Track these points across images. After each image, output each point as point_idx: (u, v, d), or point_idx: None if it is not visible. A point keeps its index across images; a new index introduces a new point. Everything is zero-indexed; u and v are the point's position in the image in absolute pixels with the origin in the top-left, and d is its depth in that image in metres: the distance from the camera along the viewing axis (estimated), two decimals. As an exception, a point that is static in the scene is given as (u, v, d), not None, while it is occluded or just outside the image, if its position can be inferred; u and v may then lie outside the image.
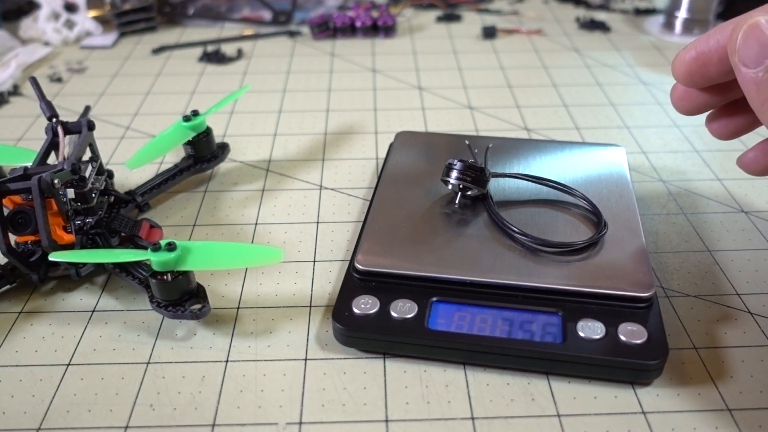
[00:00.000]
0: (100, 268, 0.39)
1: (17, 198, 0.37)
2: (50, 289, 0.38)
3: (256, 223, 0.43)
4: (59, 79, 0.64)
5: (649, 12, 0.77)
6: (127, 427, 0.30)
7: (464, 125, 0.54)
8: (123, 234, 0.39)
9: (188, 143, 0.46)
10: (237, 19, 0.77)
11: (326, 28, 0.72)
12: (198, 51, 0.69)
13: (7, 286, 0.38)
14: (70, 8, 0.73)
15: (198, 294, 0.35)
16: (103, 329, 0.36)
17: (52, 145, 0.40)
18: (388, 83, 0.62)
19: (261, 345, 0.34)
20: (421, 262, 0.35)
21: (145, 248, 0.34)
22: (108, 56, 0.69)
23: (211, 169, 0.48)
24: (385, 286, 0.35)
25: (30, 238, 0.37)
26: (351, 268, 0.36)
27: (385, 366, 0.33)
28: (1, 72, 0.63)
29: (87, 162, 0.40)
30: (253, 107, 0.58)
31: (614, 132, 0.53)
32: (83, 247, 0.38)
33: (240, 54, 0.68)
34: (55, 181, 0.35)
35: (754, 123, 0.32)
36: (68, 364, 0.34)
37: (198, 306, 0.34)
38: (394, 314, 0.33)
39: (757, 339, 0.34)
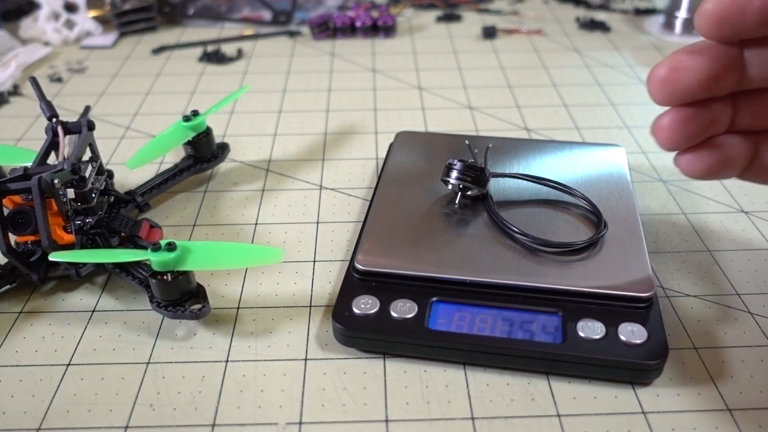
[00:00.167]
0: (100, 268, 0.39)
1: (17, 198, 0.37)
2: (50, 289, 0.38)
3: (256, 223, 0.43)
4: (59, 79, 0.64)
5: (649, 12, 0.77)
6: (127, 427, 0.30)
7: (464, 125, 0.54)
8: (123, 234, 0.39)
9: (188, 143, 0.46)
10: (237, 19, 0.77)
11: (326, 28, 0.72)
12: (198, 51, 0.69)
13: (7, 286, 0.38)
14: (70, 8, 0.73)
15: (198, 294, 0.35)
16: (103, 329, 0.36)
17: (52, 145, 0.40)
18: (388, 83, 0.62)
19: (261, 345, 0.34)
20: (421, 262, 0.35)
21: (145, 248, 0.34)
22: (108, 56, 0.69)
23: (211, 169, 0.48)
24: (385, 286, 0.35)
25: (30, 238, 0.37)
26: (351, 268, 0.36)
27: (385, 366, 0.33)
28: (1, 72, 0.63)
29: (87, 162, 0.40)
30: (253, 107, 0.58)
31: (614, 132, 0.53)
32: (83, 247, 0.38)
33: (240, 54, 0.68)
34: (55, 181, 0.35)
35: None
36: (68, 364, 0.34)
37: (198, 306, 0.34)
38: (394, 314, 0.33)
39: (757, 339, 0.34)
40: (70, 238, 0.37)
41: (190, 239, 0.42)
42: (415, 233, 0.37)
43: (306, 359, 0.34)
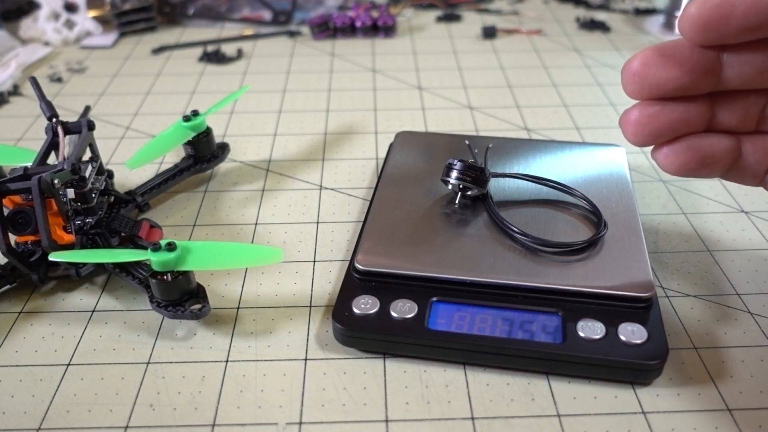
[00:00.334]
0: (100, 268, 0.39)
1: (17, 198, 0.37)
2: (50, 289, 0.38)
3: (256, 223, 0.43)
4: (59, 79, 0.64)
5: (649, 12, 0.77)
6: (127, 427, 0.30)
7: (464, 125, 0.54)
8: (123, 234, 0.39)
9: (188, 143, 0.46)
10: (237, 19, 0.77)
11: (326, 28, 0.72)
12: (198, 51, 0.69)
13: (7, 286, 0.38)
14: (70, 8, 0.73)
15: (198, 294, 0.35)
16: (103, 329, 0.36)
17: (52, 145, 0.40)
18: (388, 83, 0.62)
19: (261, 345, 0.34)
20: (421, 262, 0.35)
21: (145, 248, 0.34)
22: (108, 56, 0.69)
23: (211, 169, 0.48)
24: (385, 286, 0.35)
25: (30, 238, 0.37)
26: (351, 268, 0.36)
27: (385, 366, 0.33)
28: (1, 72, 0.63)
29: (87, 162, 0.40)
30: (253, 107, 0.58)
31: (614, 132, 0.53)
32: (83, 247, 0.38)
33: (240, 54, 0.68)
34: (55, 181, 0.35)
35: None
36: (68, 364, 0.34)
37: (198, 306, 0.34)
38: (394, 314, 0.33)
39: (757, 339, 0.34)
40: (70, 238, 0.37)
41: (190, 239, 0.42)
42: (415, 233, 0.37)
43: (306, 359, 0.34)
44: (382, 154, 0.50)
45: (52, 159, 0.40)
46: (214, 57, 0.67)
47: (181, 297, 0.34)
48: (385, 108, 0.57)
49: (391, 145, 0.47)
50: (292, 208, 0.45)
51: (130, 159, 0.44)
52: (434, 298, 0.34)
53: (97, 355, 0.34)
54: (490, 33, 0.71)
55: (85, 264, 0.37)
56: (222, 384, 0.32)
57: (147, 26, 0.74)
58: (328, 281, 0.39)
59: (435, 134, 0.50)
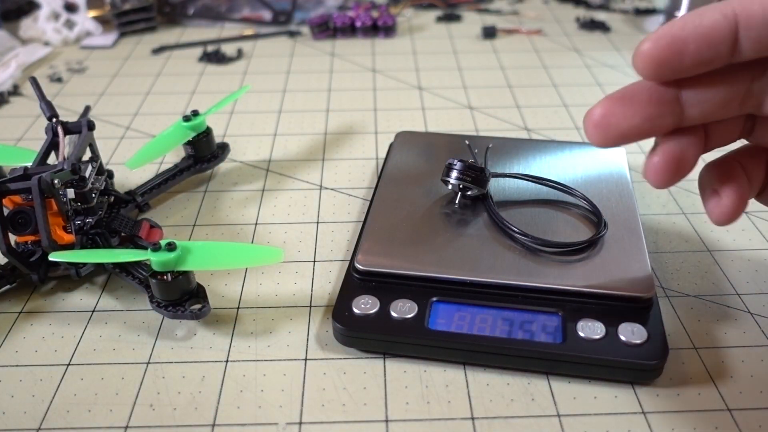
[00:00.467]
0: (100, 268, 0.39)
1: (17, 198, 0.37)
2: (50, 289, 0.38)
3: (256, 223, 0.43)
4: (59, 79, 0.64)
5: (649, 12, 0.77)
6: (127, 427, 0.30)
7: (464, 125, 0.54)
8: (123, 234, 0.39)
9: (188, 143, 0.46)
10: (237, 19, 0.77)
11: (326, 28, 0.72)
12: (198, 51, 0.69)
13: (7, 286, 0.38)
14: (70, 8, 0.73)
15: (198, 294, 0.35)
16: (103, 329, 0.36)
17: (52, 145, 0.40)
18: (388, 83, 0.62)
19: (261, 345, 0.34)
20: (421, 262, 0.35)
21: (145, 248, 0.34)
22: (108, 56, 0.69)
23: (211, 169, 0.48)
24: (385, 286, 0.35)
25: (30, 238, 0.37)
26: (351, 268, 0.36)
27: (385, 366, 0.33)
28: (1, 72, 0.63)
29: (87, 162, 0.40)
30: (253, 107, 0.58)
31: (614, 132, 0.53)
32: (83, 247, 0.38)
33: (240, 54, 0.68)
34: (55, 181, 0.35)
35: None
36: (68, 364, 0.34)
37: (198, 306, 0.34)
38: (394, 314, 0.33)
39: (757, 339, 0.34)
40: (70, 238, 0.37)
41: (190, 239, 0.42)
42: (415, 233, 0.37)
43: (306, 359, 0.34)
44: (382, 154, 0.50)
45: (52, 159, 0.40)
46: (214, 57, 0.67)
47: (181, 297, 0.34)
48: (385, 108, 0.57)
49: (391, 145, 0.47)
50: (292, 208, 0.45)
51: (130, 159, 0.44)
52: (434, 298, 0.34)
53: (97, 355, 0.34)
54: (490, 33, 0.71)
55: (85, 264, 0.37)
56: (222, 384, 0.32)
57: (147, 26, 0.74)
58: (328, 281, 0.39)
59: (435, 134, 0.50)
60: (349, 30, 0.72)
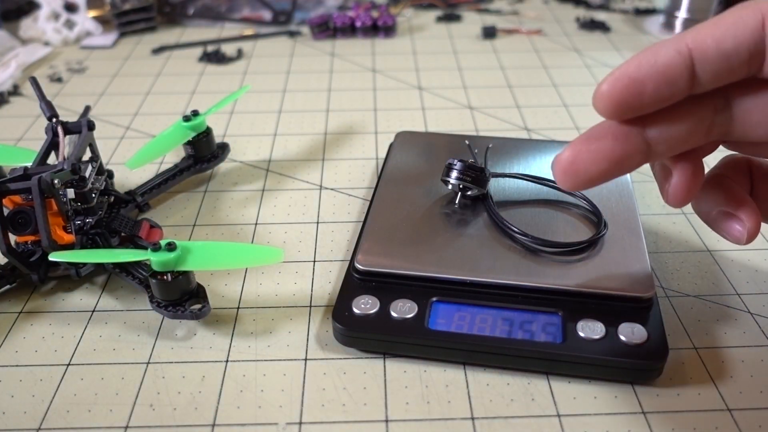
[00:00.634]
0: (100, 268, 0.39)
1: (17, 198, 0.37)
2: (50, 289, 0.38)
3: (256, 223, 0.43)
4: (59, 79, 0.64)
5: (649, 12, 0.77)
6: (127, 427, 0.30)
7: (464, 125, 0.54)
8: (123, 234, 0.39)
9: (188, 143, 0.46)
10: (237, 19, 0.77)
11: (326, 28, 0.72)
12: (198, 51, 0.69)
13: (7, 286, 0.38)
14: (70, 8, 0.73)
15: (198, 294, 0.35)
16: (103, 329, 0.36)
17: (52, 145, 0.40)
18: (388, 83, 0.62)
19: (261, 345, 0.34)
20: (421, 262, 0.35)
21: (145, 248, 0.34)
22: (108, 56, 0.69)
23: (211, 169, 0.48)
24: (385, 286, 0.35)
25: (30, 238, 0.37)
26: (351, 268, 0.36)
27: (385, 366, 0.33)
28: (1, 72, 0.63)
29: (87, 162, 0.40)
30: (253, 107, 0.58)
31: (614, 132, 0.53)
32: (83, 247, 0.38)
33: (240, 54, 0.68)
34: (55, 181, 0.35)
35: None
36: (68, 364, 0.34)
37: (198, 306, 0.34)
38: (394, 314, 0.33)
39: (757, 339, 0.34)
40: (70, 238, 0.37)
41: (190, 239, 0.42)
42: (415, 233, 0.37)
43: (306, 359, 0.34)
44: (382, 154, 0.50)
45: (52, 159, 0.40)
46: (214, 57, 0.67)
47: (181, 297, 0.34)
48: (385, 108, 0.57)
49: (391, 145, 0.47)
50: (292, 208, 0.45)
51: (130, 159, 0.44)
52: (434, 298, 0.34)
53: (97, 355, 0.34)
54: (490, 33, 0.71)
55: (85, 264, 0.37)
56: (222, 384, 0.32)
57: (147, 26, 0.74)
58: (328, 281, 0.39)
59: (435, 134, 0.50)
60: (349, 30, 0.72)
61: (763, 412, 0.30)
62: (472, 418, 0.30)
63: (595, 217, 0.38)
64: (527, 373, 0.32)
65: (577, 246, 0.35)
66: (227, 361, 0.34)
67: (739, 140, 0.27)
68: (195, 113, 0.46)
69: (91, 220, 0.38)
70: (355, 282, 0.35)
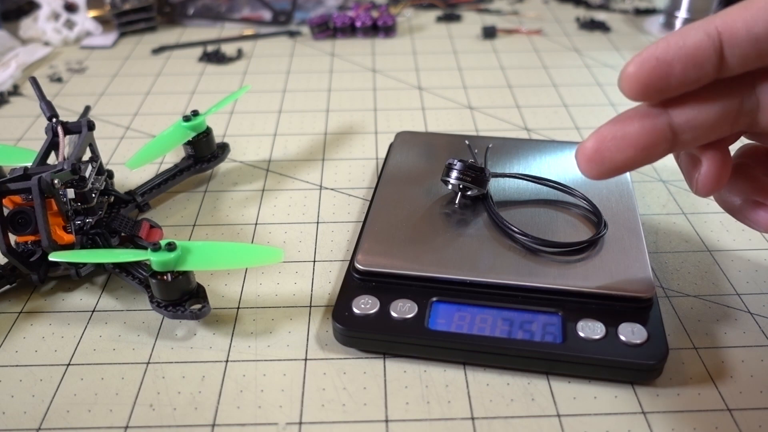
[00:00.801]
0: (100, 268, 0.39)
1: (17, 198, 0.37)
2: (50, 289, 0.38)
3: (256, 223, 0.43)
4: (59, 79, 0.64)
5: (649, 12, 0.77)
6: (127, 427, 0.30)
7: (464, 125, 0.54)
8: (123, 234, 0.39)
9: (188, 143, 0.46)
10: (237, 19, 0.77)
11: (326, 28, 0.72)
12: (198, 51, 0.69)
13: (7, 286, 0.38)
14: (70, 8, 0.73)
15: (198, 294, 0.35)
16: (103, 329, 0.36)
17: (52, 145, 0.40)
18: (388, 83, 0.62)
19: (261, 345, 0.34)
20: (421, 262, 0.35)
21: (145, 248, 0.34)
22: (108, 56, 0.69)
23: (211, 169, 0.48)
24: (385, 286, 0.35)
25: (30, 238, 0.37)
26: (351, 268, 0.36)
27: (385, 366, 0.33)
28: (1, 72, 0.63)
29: (87, 162, 0.40)
30: (253, 107, 0.58)
31: (614, 132, 0.53)
32: (83, 247, 0.38)
33: (240, 54, 0.68)
34: (55, 181, 0.35)
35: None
36: (68, 364, 0.34)
37: (198, 306, 0.34)
38: (394, 314, 0.33)
39: (757, 339, 0.34)
40: (70, 238, 0.37)
41: (190, 239, 0.42)
42: (415, 233, 0.37)
43: (306, 359, 0.34)
44: (382, 154, 0.50)
45: (52, 159, 0.40)
46: (214, 57, 0.67)
47: (181, 297, 0.34)
48: (385, 108, 0.57)
49: (391, 145, 0.47)
50: (292, 208, 0.45)
51: (130, 159, 0.44)
52: (434, 298, 0.34)
53: (97, 355, 0.34)
54: (490, 33, 0.71)
55: (85, 264, 0.37)
56: (222, 384, 0.32)
57: (147, 26, 0.74)
58: (328, 281, 0.39)
59: (435, 134, 0.50)
60: (349, 30, 0.72)
61: (763, 412, 0.30)
62: (472, 418, 0.30)
63: (595, 217, 0.38)
64: (527, 373, 0.32)
65: (577, 246, 0.35)
66: (227, 361, 0.34)
67: (765, 131, 0.27)
68: (195, 113, 0.46)
69: (91, 220, 0.38)
70: (355, 282, 0.35)
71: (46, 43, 0.71)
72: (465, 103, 0.58)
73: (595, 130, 0.27)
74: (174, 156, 0.50)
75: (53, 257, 0.34)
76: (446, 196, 0.40)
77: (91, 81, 0.64)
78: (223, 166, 0.50)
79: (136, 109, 0.58)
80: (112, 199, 0.42)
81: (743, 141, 0.30)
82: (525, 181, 0.41)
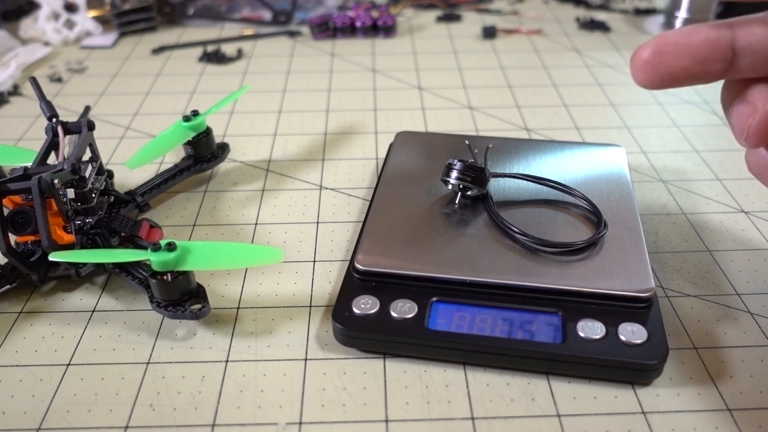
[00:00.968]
0: (100, 268, 0.39)
1: (17, 198, 0.37)
2: (50, 289, 0.38)
3: (256, 223, 0.43)
4: (59, 79, 0.64)
5: (649, 12, 0.77)
6: (127, 427, 0.30)
7: (464, 125, 0.54)
8: (123, 234, 0.39)
9: (188, 143, 0.46)
10: (237, 19, 0.77)
11: (326, 28, 0.72)
12: (198, 51, 0.69)
13: (7, 286, 0.38)
14: (70, 8, 0.73)
15: (198, 294, 0.35)
16: (103, 329, 0.36)
17: (52, 145, 0.40)
18: (388, 83, 0.62)
19: (261, 345, 0.34)
20: (421, 262, 0.35)
21: (145, 248, 0.34)
22: (108, 56, 0.69)
23: (211, 169, 0.48)
24: (385, 286, 0.35)
25: (30, 238, 0.37)
26: (351, 268, 0.36)
27: (385, 366, 0.33)
28: (1, 72, 0.63)
29: (87, 162, 0.40)
30: (253, 107, 0.58)
31: (614, 132, 0.53)
32: (83, 247, 0.38)
33: (240, 54, 0.68)
34: (55, 181, 0.35)
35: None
36: (68, 364, 0.34)
37: (198, 306, 0.34)
38: (394, 314, 0.33)
39: (757, 339, 0.34)
40: (70, 238, 0.37)
41: (190, 239, 0.42)
42: (415, 233, 0.37)
43: (306, 359, 0.34)
44: (382, 154, 0.50)
45: (52, 159, 0.40)
46: (214, 57, 0.67)
47: (181, 297, 0.34)
48: (385, 108, 0.57)
49: (391, 145, 0.47)
50: (292, 208, 0.45)
51: (130, 159, 0.44)
52: (434, 298, 0.34)
53: (97, 355, 0.34)
54: (490, 33, 0.71)
55: (85, 264, 0.37)
56: (222, 384, 0.32)
57: (147, 26, 0.74)
58: (328, 281, 0.39)
59: (435, 134, 0.50)
60: (349, 30, 0.72)
61: (763, 412, 0.30)
62: (472, 418, 0.30)
63: (595, 217, 0.38)
64: (527, 373, 0.32)
65: (577, 246, 0.35)
66: (227, 361, 0.34)
67: None
68: (195, 113, 0.46)
69: (91, 220, 0.38)
70: (355, 282, 0.35)
71: (46, 43, 0.71)
72: (465, 103, 0.58)
73: (654, 37, 0.27)
74: (174, 156, 0.50)
75: (53, 257, 0.34)
76: (446, 196, 0.40)
77: (91, 81, 0.64)
78: (223, 166, 0.50)
79: (136, 109, 0.58)
80: (112, 199, 0.42)
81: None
82: (525, 181, 0.41)
